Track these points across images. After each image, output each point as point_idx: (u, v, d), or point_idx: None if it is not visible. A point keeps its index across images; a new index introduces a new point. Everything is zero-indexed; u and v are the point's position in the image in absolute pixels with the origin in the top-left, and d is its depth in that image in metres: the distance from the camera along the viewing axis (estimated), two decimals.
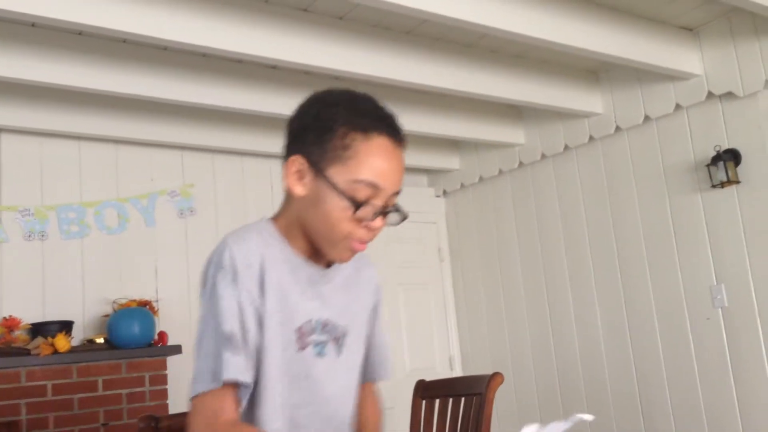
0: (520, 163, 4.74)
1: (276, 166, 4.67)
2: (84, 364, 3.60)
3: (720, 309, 3.67)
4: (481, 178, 5.03)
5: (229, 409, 1.19)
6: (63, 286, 3.90)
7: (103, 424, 3.59)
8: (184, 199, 4.35)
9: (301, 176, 1.27)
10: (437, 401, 2.81)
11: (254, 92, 3.69)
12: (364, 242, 1.28)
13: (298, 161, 1.27)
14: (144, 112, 3.91)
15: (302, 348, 1.29)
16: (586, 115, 4.27)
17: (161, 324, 4.01)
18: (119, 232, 4.11)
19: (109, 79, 3.29)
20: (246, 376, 1.20)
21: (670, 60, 3.64)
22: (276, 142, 4.91)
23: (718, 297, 3.67)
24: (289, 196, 1.32)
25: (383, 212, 1.27)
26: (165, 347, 3.83)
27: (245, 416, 1.25)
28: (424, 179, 5.49)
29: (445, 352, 5.18)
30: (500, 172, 4.89)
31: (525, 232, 4.74)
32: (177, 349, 3.82)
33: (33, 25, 3.04)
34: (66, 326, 3.65)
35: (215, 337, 1.20)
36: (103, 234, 4.06)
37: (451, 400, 2.72)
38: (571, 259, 4.43)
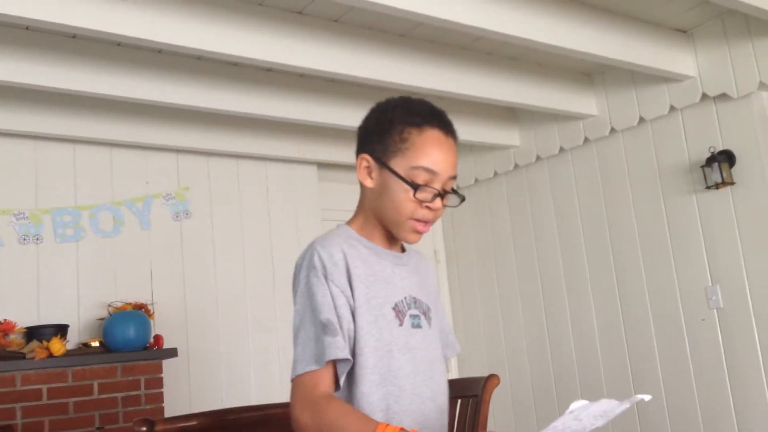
0: (516, 165, 4.75)
1: (271, 168, 4.68)
2: (79, 367, 3.59)
3: (715, 310, 3.68)
4: (476, 180, 5.04)
5: (325, 384, 1.34)
6: (58, 290, 3.89)
7: (98, 428, 3.58)
8: (179, 202, 4.34)
9: (369, 171, 1.49)
10: None
11: (249, 95, 3.69)
12: (427, 222, 1.47)
13: (365, 159, 1.49)
14: (139, 115, 3.90)
15: (401, 323, 1.46)
16: (580, 117, 4.28)
17: (157, 327, 4.01)
18: (114, 236, 4.10)
19: (103, 82, 3.29)
20: (346, 353, 1.35)
21: (664, 62, 3.65)
22: (271, 145, 4.91)
23: (714, 298, 3.67)
24: (362, 194, 1.54)
25: (441, 194, 1.46)
26: (161, 350, 3.82)
27: (346, 394, 1.40)
28: None
29: None
30: (495, 173, 4.90)
31: (520, 233, 4.75)
32: (173, 353, 3.82)
33: (27, 28, 3.03)
34: (61, 330, 3.64)
35: (314, 326, 1.37)
36: (98, 237, 4.05)
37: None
38: (566, 261, 4.44)
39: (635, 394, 4.03)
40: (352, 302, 1.41)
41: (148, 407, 3.71)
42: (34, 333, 3.58)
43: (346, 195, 5.04)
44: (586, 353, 4.30)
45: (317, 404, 1.31)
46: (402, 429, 1.20)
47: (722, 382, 3.63)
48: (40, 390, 3.48)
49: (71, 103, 3.69)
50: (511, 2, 3.06)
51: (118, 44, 3.25)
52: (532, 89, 3.96)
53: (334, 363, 1.36)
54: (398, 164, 1.44)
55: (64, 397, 3.53)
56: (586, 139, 4.31)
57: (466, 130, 4.48)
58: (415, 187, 1.43)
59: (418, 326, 1.50)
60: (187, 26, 2.89)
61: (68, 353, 3.58)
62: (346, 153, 4.71)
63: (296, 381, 1.35)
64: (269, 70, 3.66)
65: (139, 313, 3.82)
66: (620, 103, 4.11)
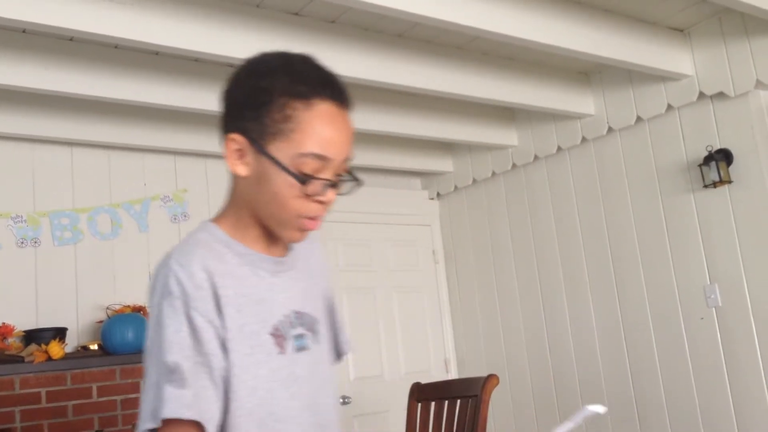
0: (513, 165, 4.75)
1: None
2: (78, 370, 3.58)
3: (714, 308, 3.69)
4: (474, 180, 5.04)
5: None
6: (56, 293, 3.89)
7: (97, 431, 3.58)
8: (177, 204, 4.34)
9: (241, 155, 1.17)
10: (433, 404, 2.81)
11: None
12: (317, 218, 1.19)
13: (234, 140, 1.17)
14: (136, 118, 3.90)
15: (283, 350, 1.20)
16: (578, 117, 4.29)
17: None
18: (112, 238, 4.10)
19: (100, 85, 3.28)
20: (193, 413, 1.06)
21: (661, 61, 3.66)
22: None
23: (712, 296, 3.68)
24: (232, 184, 1.24)
25: (333, 183, 1.18)
26: None
27: None
28: (417, 182, 5.49)
29: (440, 355, 5.18)
30: (493, 173, 4.90)
31: (519, 233, 4.75)
32: None
33: (24, 31, 3.03)
34: (60, 333, 3.64)
35: (158, 370, 1.08)
36: (96, 240, 4.05)
37: (446, 402, 2.72)
38: (565, 260, 4.44)
39: (634, 393, 4.03)
40: (222, 333, 1.12)
41: None
42: (32, 336, 3.58)
43: (344, 196, 5.05)
44: (585, 352, 4.30)
45: None
46: None
47: (721, 381, 3.63)
48: (38, 393, 3.48)
49: (68, 105, 3.68)
50: (507, 2, 3.06)
51: (115, 47, 3.25)
52: (529, 89, 3.97)
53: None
54: (280, 150, 1.13)
55: (63, 400, 3.53)
56: (583, 139, 4.31)
57: (463, 130, 4.49)
58: (303, 180, 1.14)
59: (303, 348, 1.23)
60: (184, 28, 2.89)
61: (67, 356, 3.58)
62: None
63: None
64: None
65: (138, 315, 3.81)
66: (617, 103, 4.11)
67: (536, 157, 4.60)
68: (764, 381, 3.48)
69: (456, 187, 5.19)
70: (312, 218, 1.19)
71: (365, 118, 4.05)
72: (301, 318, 1.25)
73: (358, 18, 3.26)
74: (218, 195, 4.47)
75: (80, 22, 2.67)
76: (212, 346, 1.11)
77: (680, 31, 3.77)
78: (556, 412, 4.45)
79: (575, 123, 4.34)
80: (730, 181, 3.60)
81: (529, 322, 4.66)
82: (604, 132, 4.19)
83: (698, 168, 3.71)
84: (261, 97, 1.16)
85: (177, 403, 1.04)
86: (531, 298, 4.65)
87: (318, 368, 1.27)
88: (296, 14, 3.17)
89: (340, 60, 3.31)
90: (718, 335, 3.66)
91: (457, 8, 2.90)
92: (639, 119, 4.02)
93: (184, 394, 1.05)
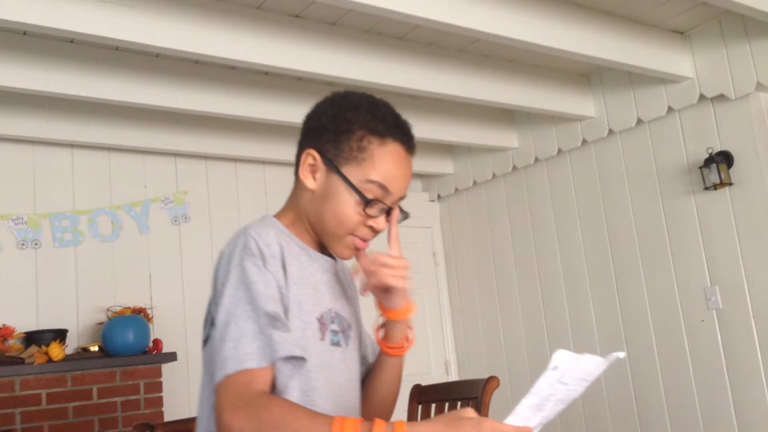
0: (514, 167, 4.75)
1: (270, 172, 4.67)
2: (78, 372, 3.58)
3: (714, 311, 3.68)
4: (475, 183, 5.04)
5: (262, 382, 1.13)
6: (57, 295, 3.88)
7: None
8: (177, 206, 4.34)
9: (314, 170, 1.31)
10: (433, 406, 2.80)
11: (247, 98, 3.69)
12: (366, 240, 1.33)
13: (312, 155, 1.31)
14: (137, 119, 3.90)
15: (323, 337, 1.30)
16: (579, 119, 4.29)
17: (156, 331, 4.00)
18: (113, 240, 4.10)
19: (101, 86, 3.29)
20: (300, 350, 1.18)
21: (661, 63, 3.66)
22: (269, 148, 4.90)
23: (713, 299, 3.67)
24: (296, 191, 1.36)
25: (388, 211, 1.32)
26: (160, 355, 3.81)
27: None
28: (418, 184, 5.49)
29: (440, 357, 5.18)
30: (494, 176, 4.90)
31: (519, 235, 4.75)
32: (172, 357, 3.81)
33: (25, 33, 3.03)
34: (60, 334, 3.63)
35: (254, 320, 1.15)
36: (96, 241, 4.05)
37: (447, 404, 2.72)
38: (565, 262, 4.44)
39: (634, 395, 4.03)
40: (286, 300, 1.23)
41: (147, 411, 3.71)
42: (33, 338, 3.58)
43: None
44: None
45: (255, 402, 1.08)
46: (361, 420, 1.06)
47: (722, 383, 3.63)
48: (39, 395, 3.48)
49: (69, 107, 3.68)
50: (508, 4, 3.06)
51: (116, 49, 3.25)
52: (529, 91, 3.97)
53: (272, 368, 1.15)
54: (351, 173, 1.28)
55: (64, 402, 3.53)
56: (584, 141, 4.31)
57: (464, 132, 4.49)
58: (367, 201, 1.27)
59: (337, 344, 1.33)
60: (184, 30, 2.89)
61: (67, 358, 3.58)
62: None
63: (224, 383, 1.11)
64: (267, 73, 3.66)
65: (138, 317, 3.81)
66: (618, 105, 4.11)
67: (537, 159, 4.60)
68: (765, 383, 3.48)
69: (456, 189, 5.19)
70: (362, 239, 1.32)
71: None
72: (339, 317, 1.36)
73: (358, 20, 3.26)
74: (219, 197, 4.49)
75: (81, 24, 2.67)
76: (283, 306, 1.22)
77: (681, 34, 3.77)
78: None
79: (576, 125, 4.33)
80: (730, 183, 3.59)
81: (530, 323, 4.65)
82: (605, 134, 4.19)
83: (699, 170, 3.70)
84: (343, 125, 1.30)
85: (288, 344, 1.15)
86: (531, 299, 4.65)
87: (346, 366, 1.36)
88: (297, 16, 3.17)
89: (341, 62, 3.31)
90: (719, 337, 3.66)
91: (457, 11, 2.90)
92: (639, 121, 4.02)
93: (292, 336, 1.18)
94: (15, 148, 3.92)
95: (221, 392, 1.11)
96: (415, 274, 5.25)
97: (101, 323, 3.83)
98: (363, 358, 1.49)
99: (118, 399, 3.66)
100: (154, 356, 3.79)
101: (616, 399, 4.12)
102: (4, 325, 3.60)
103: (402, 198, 1.34)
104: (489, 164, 4.92)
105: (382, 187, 1.28)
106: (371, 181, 1.28)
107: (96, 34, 2.71)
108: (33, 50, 3.10)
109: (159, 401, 3.77)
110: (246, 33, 3.04)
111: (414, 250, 5.25)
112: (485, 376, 2.53)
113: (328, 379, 1.29)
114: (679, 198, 3.84)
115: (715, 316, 3.68)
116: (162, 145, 4.09)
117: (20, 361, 3.45)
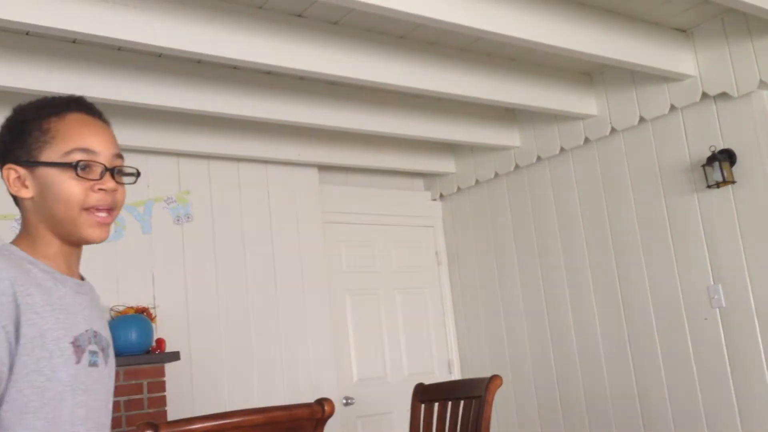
0: (516, 166, 4.75)
1: (272, 171, 4.68)
2: None
3: (717, 309, 3.68)
4: (477, 181, 5.04)
5: None
6: None
7: None
8: (180, 206, 4.34)
9: (22, 181, 1.31)
10: (436, 404, 2.81)
11: (249, 98, 3.69)
12: (108, 210, 1.32)
13: (12, 169, 1.31)
14: (139, 119, 3.91)
15: (78, 360, 1.27)
16: (581, 117, 4.29)
17: (159, 331, 4.01)
18: (116, 240, 4.10)
19: (103, 86, 3.29)
20: None
21: (664, 61, 3.66)
22: (272, 148, 4.89)
23: (716, 297, 3.67)
24: (23, 213, 1.34)
25: (108, 169, 1.32)
26: (163, 354, 3.82)
27: None
28: (420, 183, 5.49)
29: (443, 356, 5.18)
30: (496, 174, 4.90)
31: (522, 234, 4.75)
32: (175, 356, 3.82)
33: (27, 33, 3.04)
34: None
35: None
36: None
37: (450, 403, 2.72)
38: (568, 261, 4.44)
39: (637, 394, 4.03)
40: (12, 339, 1.17)
41: (150, 411, 3.71)
42: None
43: (347, 197, 5.06)
44: (588, 353, 4.30)
45: None
46: None
47: (725, 381, 3.63)
48: None
49: None
50: (510, 3, 3.06)
51: (118, 48, 3.26)
52: (532, 90, 3.97)
53: None
54: (50, 156, 1.28)
55: None
56: (586, 139, 4.31)
57: (466, 131, 4.49)
58: (75, 164, 1.27)
59: (95, 364, 1.31)
60: (186, 30, 2.90)
61: None
62: (347, 155, 4.71)
63: None
64: (269, 73, 3.66)
65: (141, 317, 3.82)
66: (620, 103, 4.11)
67: (539, 158, 4.60)
68: None
69: (459, 188, 5.19)
70: (101, 210, 1.31)
71: (368, 120, 4.06)
72: (97, 337, 1.34)
73: (360, 19, 3.26)
74: (222, 196, 4.50)
75: (83, 24, 2.68)
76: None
77: (683, 32, 3.77)
78: (559, 412, 4.45)
79: (578, 124, 4.33)
80: (733, 182, 3.59)
81: (532, 322, 4.66)
82: (607, 132, 4.19)
83: (701, 168, 3.70)
84: (19, 127, 1.32)
85: None
86: (534, 298, 4.65)
87: (103, 386, 1.35)
88: (299, 16, 3.17)
89: (343, 61, 3.32)
90: (722, 336, 3.66)
91: (459, 9, 2.90)
92: (642, 120, 4.02)
93: None
94: None
95: None
96: (418, 273, 5.26)
97: None
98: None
99: (122, 398, 3.66)
100: (157, 356, 3.79)
101: (618, 397, 4.11)
102: None
103: (118, 156, 1.36)
104: (491, 163, 4.92)
105: (83, 150, 1.29)
106: (69, 151, 1.28)
107: (98, 34, 2.72)
108: (36, 51, 3.11)
109: (162, 401, 3.77)
110: (248, 33, 3.04)
111: (416, 249, 5.26)
112: (488, 374, 2.53)
113: (85, 404, 1.28)
114: (682, 196, 3.84)
115: (718, 315, 3.68)
116: (164, 145, 4.10)
117: None
